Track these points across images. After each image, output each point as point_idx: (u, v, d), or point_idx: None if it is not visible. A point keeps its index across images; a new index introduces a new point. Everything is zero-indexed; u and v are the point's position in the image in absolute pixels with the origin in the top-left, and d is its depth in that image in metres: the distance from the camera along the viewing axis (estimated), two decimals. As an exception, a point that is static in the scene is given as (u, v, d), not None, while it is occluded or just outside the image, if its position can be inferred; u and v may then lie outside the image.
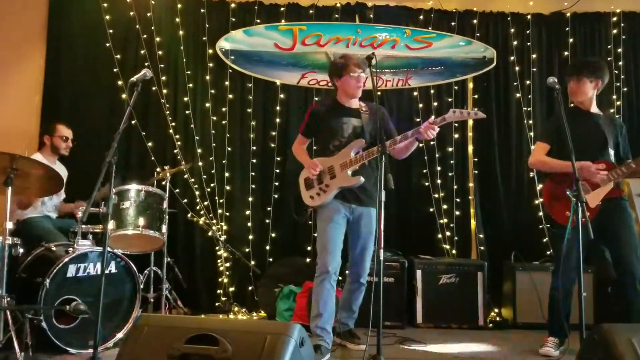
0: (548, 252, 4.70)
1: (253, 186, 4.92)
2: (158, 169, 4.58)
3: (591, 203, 3.33)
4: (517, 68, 5.06)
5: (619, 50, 5.08)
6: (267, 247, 4.85)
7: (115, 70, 4.82)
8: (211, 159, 4.88)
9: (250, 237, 4.86)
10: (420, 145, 4.88)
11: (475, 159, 5.04)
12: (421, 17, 5.08)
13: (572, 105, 3.76)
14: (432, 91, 5.05)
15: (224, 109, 4.95)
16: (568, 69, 3.75)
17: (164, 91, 4.86)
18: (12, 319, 2.94)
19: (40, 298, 3.11)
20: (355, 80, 3.48)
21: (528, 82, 5.05)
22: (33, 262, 3.40)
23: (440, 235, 4.88)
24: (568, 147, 3.00)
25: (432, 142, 4.95)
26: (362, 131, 3.48)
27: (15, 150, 2.98)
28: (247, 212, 4.88)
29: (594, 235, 2.87)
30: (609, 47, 5.09)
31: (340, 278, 3.53)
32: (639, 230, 4.05)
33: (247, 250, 4.81)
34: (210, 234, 4.75)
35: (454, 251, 4.87)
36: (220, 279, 4.79)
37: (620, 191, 3.48)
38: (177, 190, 4.77)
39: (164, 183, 4.25)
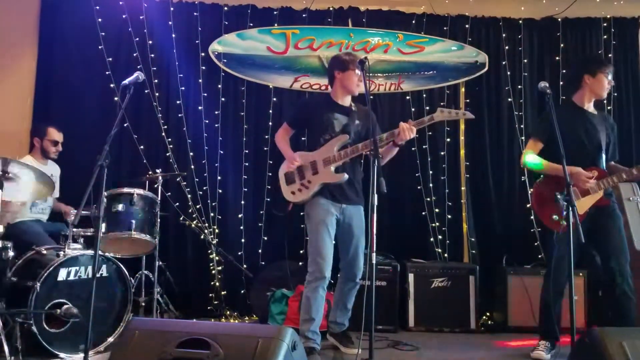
0: (539, 256, 4.72)
1: (245, 189, 4.91)
2: (150, 173, 4.55)
3: (579, 210, 3.30)
4: (508, 73, 5.08)
5: (610, 55, 5.11)
6: (260, 251, 4.84)
7: (107, 72, 4.80)
8: (203, 162, 4.87)
9: (243, 240, 4.84)
10: (412, 149, 4.90)
11: (467, 163, 5.05)
12: (413, 21, 5.10)
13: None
14: (424, 95, 5.06)
15: (216, 112, 4.94)
16: (605, 62, 3.71)
17: (157, 94, 4.85)
18: (2, 322, 2.92)
19: (31, 302, 3.09)
20: (357, 78, 3.45)
21: (520, 86, 5.08)
22: (23, 265, 3.38)
23: (432, 239, 4.88)
24: (560, 150, 2.98)
25: (424, 147, 4.97)
26: (349, 129, 3.48)
27: (6, 153, 2.97)
28: (240, 216, 4.87)
29: (584, 238, 2.85)
30: (599, 52, 5.12)
31: (332, 281, 3.53)
32: (628, 234, 4.07)
33: (239, 253, 4.80)
34: (202, 237, 4.73)
35: (446, 255, 4.87)
36: (212, 283, 4.77)
37: (609, 200, 3.47)
38: (169, 193, 4.75)
39: (156, 186, 4.23)
